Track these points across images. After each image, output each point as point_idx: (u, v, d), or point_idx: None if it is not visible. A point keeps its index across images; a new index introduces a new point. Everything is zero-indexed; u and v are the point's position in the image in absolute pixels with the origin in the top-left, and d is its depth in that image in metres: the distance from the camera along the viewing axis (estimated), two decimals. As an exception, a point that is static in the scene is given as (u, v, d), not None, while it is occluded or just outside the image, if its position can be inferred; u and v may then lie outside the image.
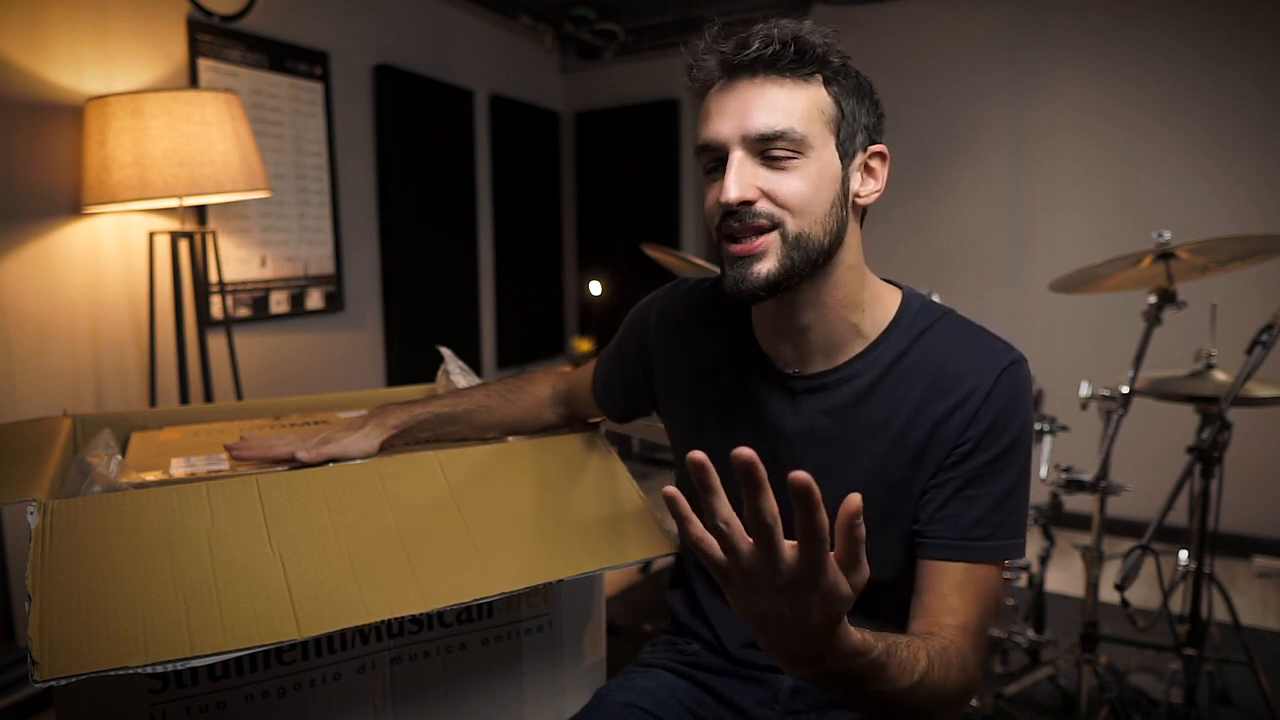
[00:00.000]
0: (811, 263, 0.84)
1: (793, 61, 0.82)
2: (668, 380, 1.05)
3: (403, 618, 0.90)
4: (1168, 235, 1.81)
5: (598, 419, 1.25)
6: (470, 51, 3.79)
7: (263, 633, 0.83)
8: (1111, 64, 3.24)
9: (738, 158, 0.82)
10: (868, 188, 0.89)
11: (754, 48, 0.81)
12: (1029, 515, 0.92)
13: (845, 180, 0.86)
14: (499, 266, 4.04)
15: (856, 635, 0.65)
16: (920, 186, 3.60)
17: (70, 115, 2.22)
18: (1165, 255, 1.81)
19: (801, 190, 0.82)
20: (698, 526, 0.58)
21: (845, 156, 0.85)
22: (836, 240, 0.86)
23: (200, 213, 2.58)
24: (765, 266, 0.83)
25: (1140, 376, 1.87)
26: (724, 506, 0.56)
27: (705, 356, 1.00)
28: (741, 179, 0.82)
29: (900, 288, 0.95)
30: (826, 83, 0.84)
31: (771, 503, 0.54)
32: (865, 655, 0.65)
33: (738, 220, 0.83)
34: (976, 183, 3.55)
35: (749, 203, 0.82)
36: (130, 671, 0.77)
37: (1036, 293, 3.27)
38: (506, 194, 4.05)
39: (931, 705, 0.74)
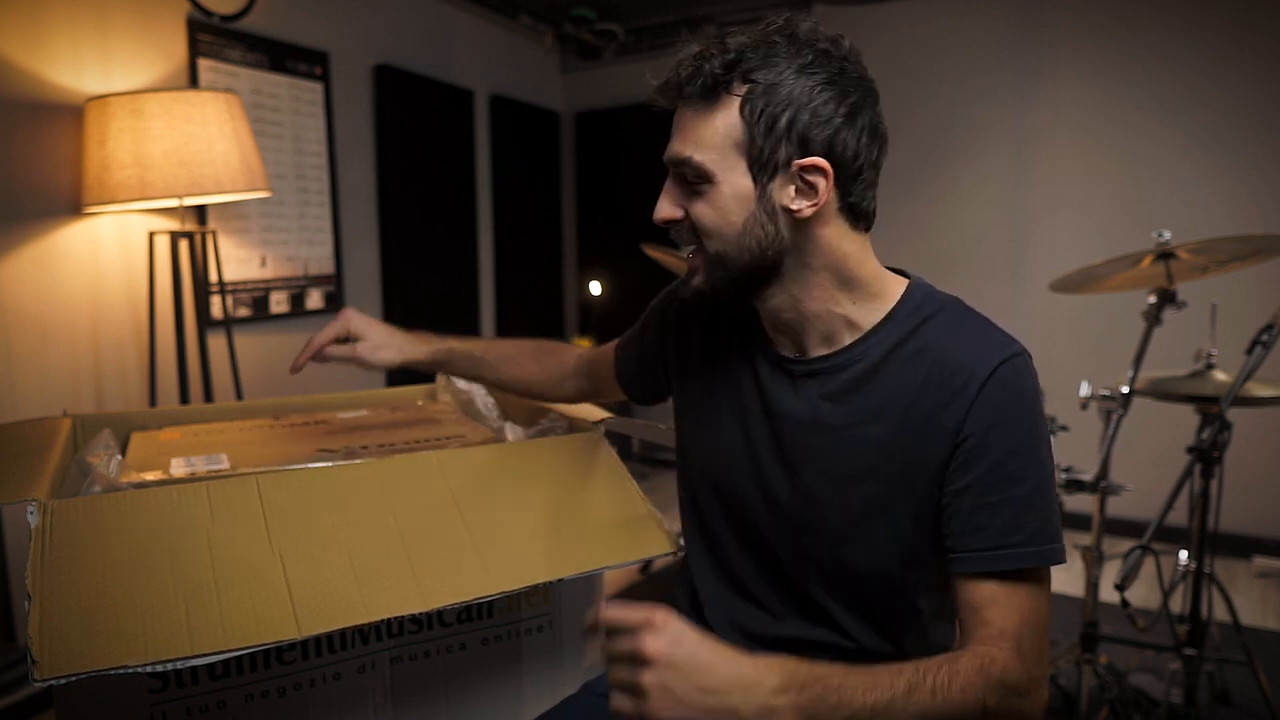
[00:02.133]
0: (736, 281, 0.89)
1: (701, 89, 0.84)
2: (681, 365, 1.07)
3: (403, 617, 0.90)
4: (1168, 235, 1.81)
5: (611, 400, 1.26)
6: (470, 51, 3.79)
7: (263, 632, 0.83)
8: (1111, 64, 3.24)
9: (669, 179, 0.89)
10: (802, 203, 0.85)
11: (666, 82, 0.86)
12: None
13: (766, 198, 0.85)
14: (499, 266, 4.04)
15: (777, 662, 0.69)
16: (920, 186, 3.60)
17: (70, 115, 2.22)
18: (1165, 255, 1.81)
19: (708, 214, 0.87)
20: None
21: (761, 174, 0.84)
22: (770, 255, 0.87)
23: (200, 213, 2.58)
24: (695, 281, 0.91)
25: (1140, 376, 1.87)
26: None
27: (718, 342, 1.02)
28: (666, 199, 0.89)
29: (909, 277, 0.94)
30: (743, 104, 0.83)
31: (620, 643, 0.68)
32: (800, 665, 0.69)
33: (671, 237, 0.92)
34: (976, 183, 3.54)
35: (674, 221, 0.89)
36: (130, 671, 0.77)
37: (1036, 293, 3.27)
38: (506, 194, 4.05)
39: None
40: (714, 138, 0.84)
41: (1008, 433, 0.83)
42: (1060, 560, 0.83)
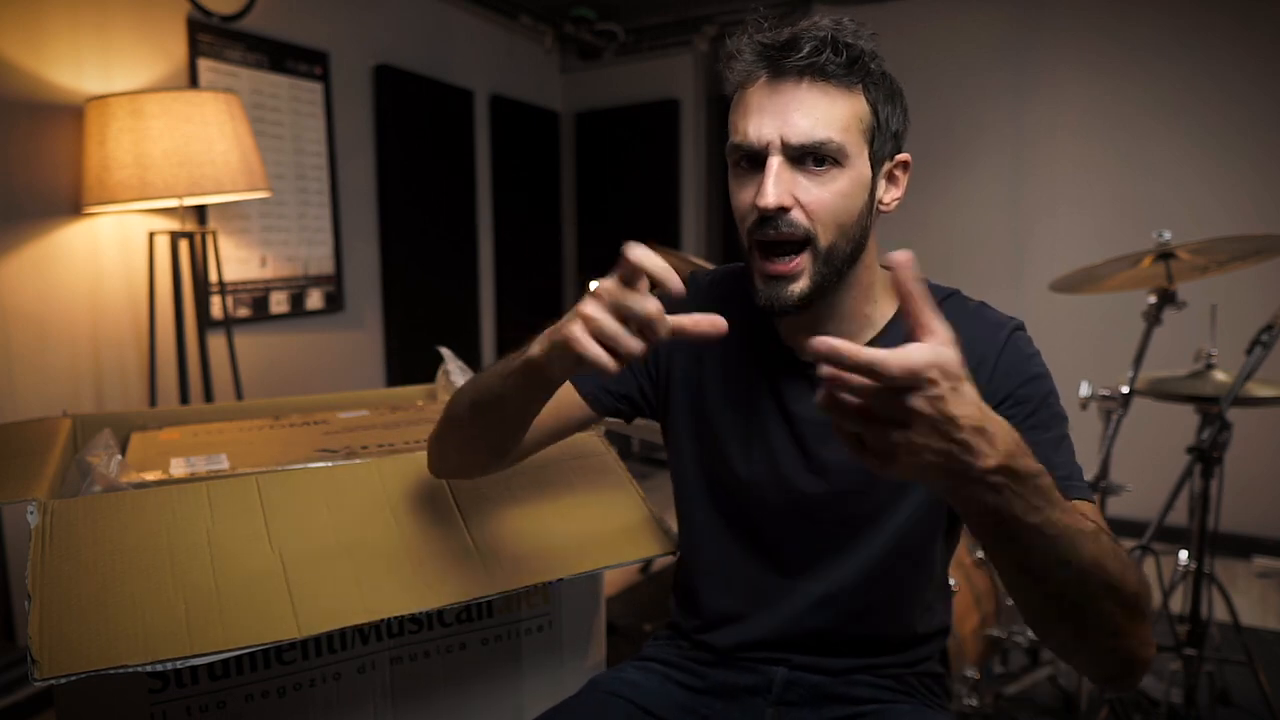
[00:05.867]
0: (838, 273, 0.86)
1: (840, 68, 0.81)
2: (672, 372, 1.01)
3: (403, 617, 0.90)
4: (1168, 235, 1.82)
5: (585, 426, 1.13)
6: (470, 51, 3.79)
7: (263, 632, 0.83)
8: (1111, 64, 3.24)
9: (776, 163, 0.81)
10: (890, 195, 0.90)
11: (804, 52, 0.80)
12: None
13: (873, 189, 0.87)
14: (499, 266, 4.04)
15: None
16: (920, 186, 3.58)
17: (70, 115, 2.22)
18: (1165, 255, 1.81)
19: (835, 201, 0.82)
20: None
21: (875, 164, 0.86)
22: (860, 248, 0.87)
23: (200, 213, 2.58)
24: (799, 286, 0.84)
25: (1140, 376, 1.88)
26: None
27: (729, 352, 0.99)
28: (779, 185, 0.81)
29: None
30: (866, 90, 0.83)
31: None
32: (1027, 453, 0.60)
33: (773, 228, 0.82)
34: (976, 183, 3.54)
35: (785, 209, 0.82)
36: (130, 670, 0.77)
37: (1036, 293, 3.26)
38: (506, 194, 4.05)
39: (1120, 582, 0.65)
40: (849, 120, 0.82)
41: (1030, 390, 0.88)
42: (1090, 498, 0.84)
